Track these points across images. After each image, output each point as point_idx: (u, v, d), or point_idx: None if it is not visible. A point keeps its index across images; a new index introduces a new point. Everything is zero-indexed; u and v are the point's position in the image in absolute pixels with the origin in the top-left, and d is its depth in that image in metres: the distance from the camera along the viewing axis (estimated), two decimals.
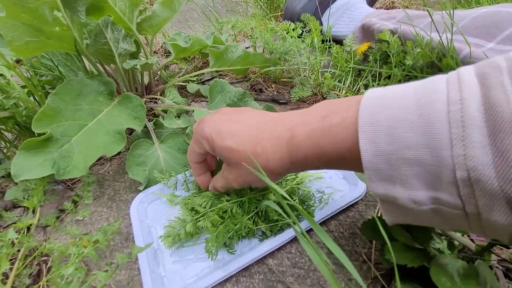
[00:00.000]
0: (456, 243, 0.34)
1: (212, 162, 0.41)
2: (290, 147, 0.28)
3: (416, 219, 0.24)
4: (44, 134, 0.39)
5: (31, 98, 0.48)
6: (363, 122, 0.22)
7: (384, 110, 0.22)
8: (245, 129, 0.31)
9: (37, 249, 0.38)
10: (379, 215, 0.43)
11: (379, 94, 0.23)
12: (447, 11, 0.50)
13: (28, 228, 0.42)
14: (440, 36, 0.51)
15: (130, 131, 0.57)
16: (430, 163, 0.20)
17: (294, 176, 0.45)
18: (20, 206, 0.48)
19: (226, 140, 0.30)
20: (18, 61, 0.66)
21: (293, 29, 0.68)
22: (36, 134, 0.40)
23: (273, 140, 0.29)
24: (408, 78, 0.61)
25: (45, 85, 0.50)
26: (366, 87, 0.66)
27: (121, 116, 0.43)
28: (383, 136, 0.21)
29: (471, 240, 0.37)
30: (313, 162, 0.28)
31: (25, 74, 0.47)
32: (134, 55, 0.58)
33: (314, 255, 0.26)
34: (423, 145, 0.20)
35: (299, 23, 0.69)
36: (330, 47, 0.69)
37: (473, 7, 0.63)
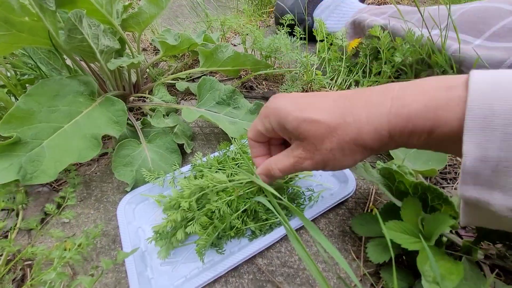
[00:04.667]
0: (444, 239, 0.34)
1: (275, 152, 0.35)
2: (394, 117, 0.24)
3: (500, 225, 0.23)
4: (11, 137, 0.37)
5: (12, 98, 0.46)
6: (471, 117, 0.19)
7: (500, 106, 0.19)
8: (329, 99, 0.27)
9: (20, 253, 0.36)
10: (368, 211, 0.43)
11: (491, 79, 0.20)
12: (438, 6, 0.50)
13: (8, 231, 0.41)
14: (429, 32, 0.51)
15: None
16: None
17: None
18: (3, 209, 0.46)
19: (306, 111, 0.27)
20: None
21: (282, 27, 0.67)
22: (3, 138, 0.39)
23: (370, 108, 0.25)
24: (398, 74, 0.61)
25: (26, 84, 0.48)
26: (357, 83, 0.65)
27: (100, 119, 0.41)
28: (496, 141, 0.19)
29: (459, 236, 0.37)
30: (419, 137, 0.23)
31: (7, 73, 0.45)
32: (119, 52, 0.56)
33: (304, 253, 0.25)
34: None
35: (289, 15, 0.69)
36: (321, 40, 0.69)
37: (463, 2, 0.63)
